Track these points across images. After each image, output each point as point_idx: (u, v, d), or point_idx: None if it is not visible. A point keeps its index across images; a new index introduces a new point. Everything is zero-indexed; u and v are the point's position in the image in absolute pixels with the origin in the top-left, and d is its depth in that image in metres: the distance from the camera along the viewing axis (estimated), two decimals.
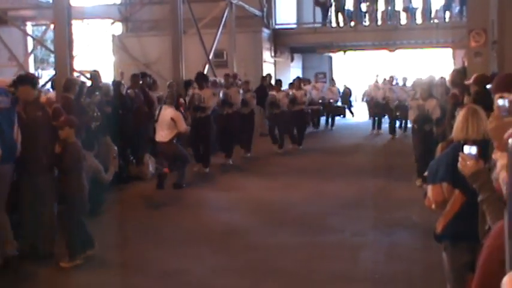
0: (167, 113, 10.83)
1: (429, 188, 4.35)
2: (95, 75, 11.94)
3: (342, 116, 27.30)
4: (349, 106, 28.86)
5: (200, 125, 12.70)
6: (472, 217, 3.57)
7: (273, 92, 16.08)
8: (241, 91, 14.73)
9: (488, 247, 2.64)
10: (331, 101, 23.51)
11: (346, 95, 28.92)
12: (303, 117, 17.33)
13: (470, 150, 3.11)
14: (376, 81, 23.50)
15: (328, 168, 13.21)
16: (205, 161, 12.87)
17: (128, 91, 12.43)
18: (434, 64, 30.94)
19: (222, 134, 14.19)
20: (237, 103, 14.28)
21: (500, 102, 3.27)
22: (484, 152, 3.30)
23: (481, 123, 4.16)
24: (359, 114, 28.26)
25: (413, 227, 8.05)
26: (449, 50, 28.31)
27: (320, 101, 22.38)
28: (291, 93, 16.65)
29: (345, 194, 10.40)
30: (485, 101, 4.63)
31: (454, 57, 27.76)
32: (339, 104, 26.43)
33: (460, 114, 4.32)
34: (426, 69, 25.50)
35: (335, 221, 8.58)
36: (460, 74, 8.90)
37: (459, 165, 3.14)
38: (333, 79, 26.76)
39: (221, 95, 14.06)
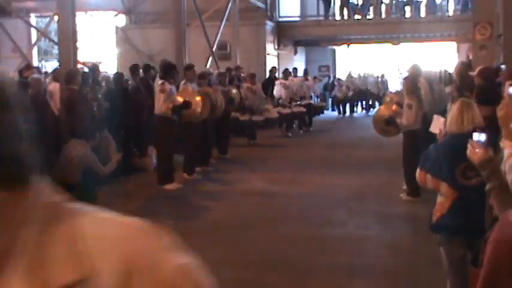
0: None
1: (418, 168, 4.38)
2: (93, 68, 11.97)
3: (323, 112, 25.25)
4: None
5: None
6: (466, 212, 3.54)
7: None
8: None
9: (494, 241, 2.57)
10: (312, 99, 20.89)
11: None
12: (229, 120, 14.34)
13: (479, 137, 2.98)
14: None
15: (331, 162, 13.18)
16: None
17: (128, 83, 12.44)
18: (438, 58, 30.84)
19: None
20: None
21: (511, 90, 3.21)
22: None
23: (476, 116, 4.11)
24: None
25: (416, 221, 8.02)
26: (454, 44, 28.26)
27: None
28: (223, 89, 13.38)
29: (348, 188, 10.37)
30: (489, 95, 4.58)
31: (458, 51, 27.71)
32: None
33: (454, 107, 4.24)
34: (430, 62, 25.37)
35: (338, 214, 8.56)
36: (465, 67, 8.84)
37: (468, 152, 3.01)
38: (305, 73, 21.75)
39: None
